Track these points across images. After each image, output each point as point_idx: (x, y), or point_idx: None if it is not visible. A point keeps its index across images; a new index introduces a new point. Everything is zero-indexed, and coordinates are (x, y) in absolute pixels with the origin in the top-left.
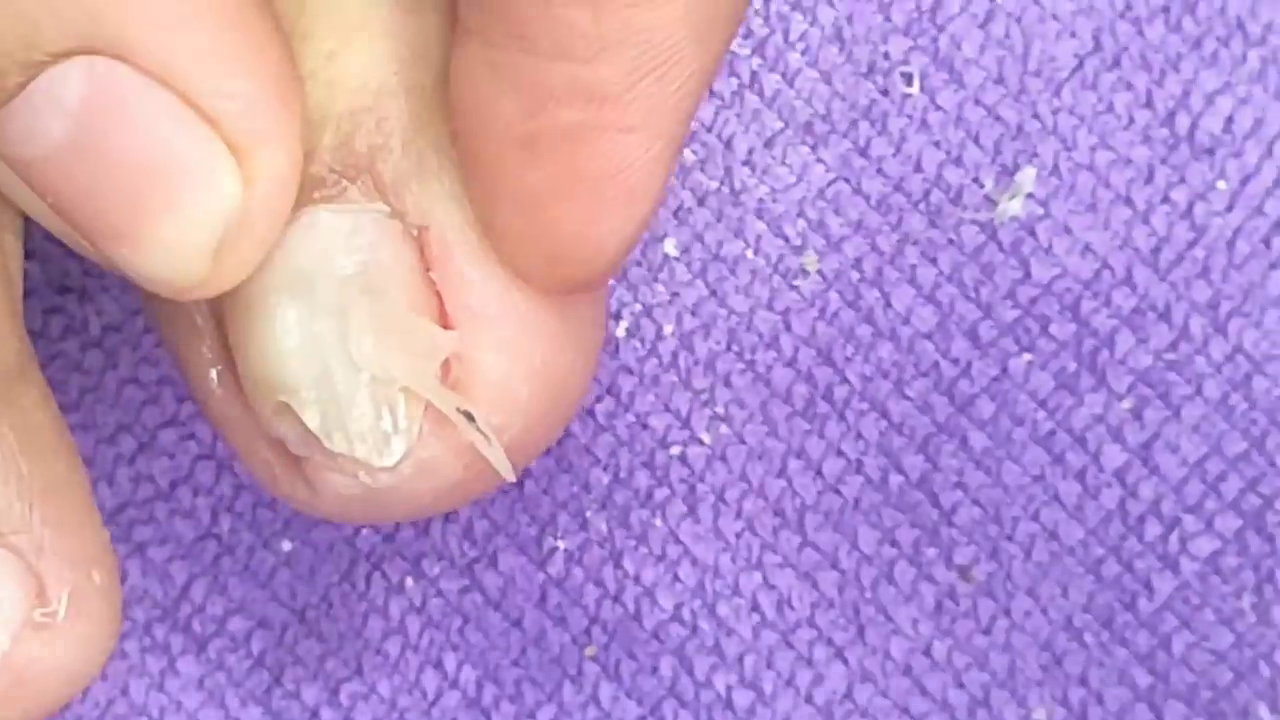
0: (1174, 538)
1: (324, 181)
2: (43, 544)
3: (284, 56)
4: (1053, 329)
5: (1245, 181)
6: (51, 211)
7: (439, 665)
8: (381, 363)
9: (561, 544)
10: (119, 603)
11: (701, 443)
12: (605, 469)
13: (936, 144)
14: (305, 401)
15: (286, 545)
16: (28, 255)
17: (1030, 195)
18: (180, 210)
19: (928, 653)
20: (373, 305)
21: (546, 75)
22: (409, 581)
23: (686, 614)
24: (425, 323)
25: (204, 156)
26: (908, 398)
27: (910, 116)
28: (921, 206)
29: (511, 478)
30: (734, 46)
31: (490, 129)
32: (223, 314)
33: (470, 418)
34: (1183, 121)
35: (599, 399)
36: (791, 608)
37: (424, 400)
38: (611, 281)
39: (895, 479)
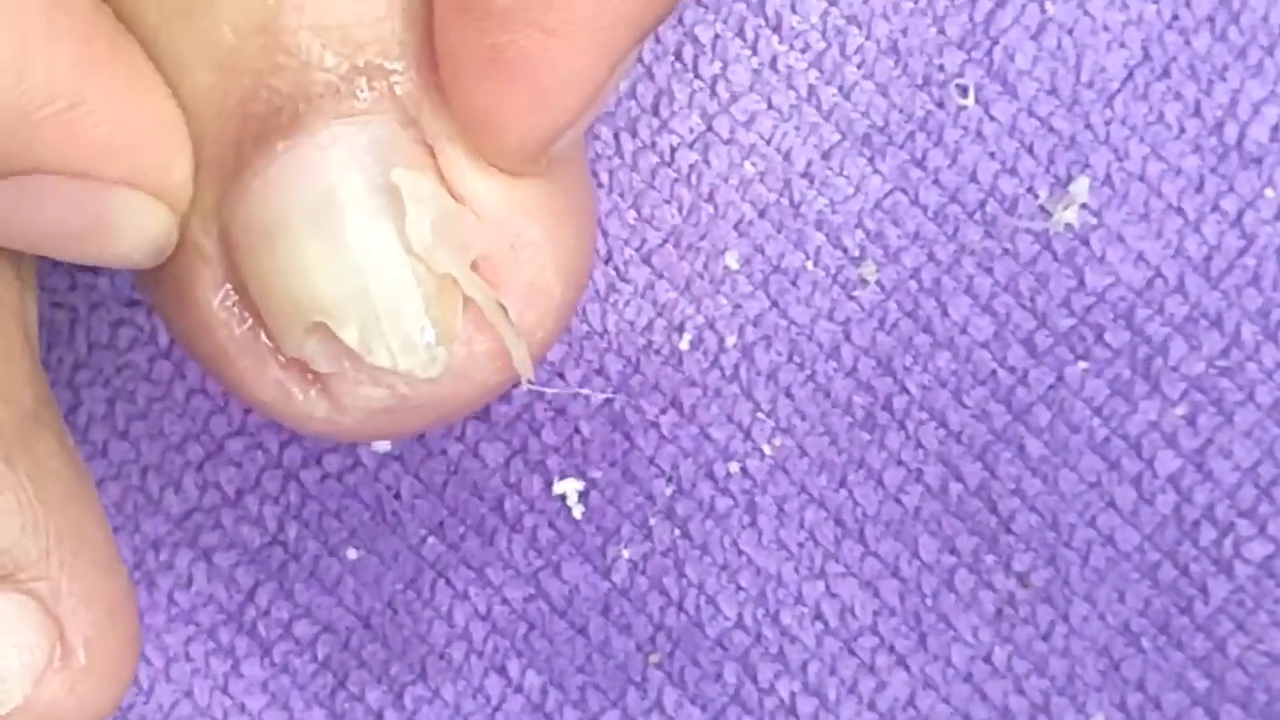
0: (1228, 542)
1: (337, 93)
2: (61, 588)
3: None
4: (1107, 337)
5: None
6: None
7: (503, 671)
8: (435, 255)
9: (626, 553)
10: (138, 642)
11: (763, 454)
12: (669, 480)
13: (991, 155)
14: (342, 320)
15: (352, 553)
16: (94, 270)
17: (1084, 205)
18: (118, 240)
19: (988, 659)
20: (412, 205)
21: None
22: (473, 589)
23: (750, 621)
24: (466, 213)
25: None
26: (966, 407)
27: (965, 128)
28: (977, 217)
29: (532, 379)
30: (790, 60)
31: None
32: (231, 239)
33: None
34: (1231, 130)
35: (663, 411)
36: (854, 616)
37: (459, 308)
38: (675, 294)
39: (955, 487)
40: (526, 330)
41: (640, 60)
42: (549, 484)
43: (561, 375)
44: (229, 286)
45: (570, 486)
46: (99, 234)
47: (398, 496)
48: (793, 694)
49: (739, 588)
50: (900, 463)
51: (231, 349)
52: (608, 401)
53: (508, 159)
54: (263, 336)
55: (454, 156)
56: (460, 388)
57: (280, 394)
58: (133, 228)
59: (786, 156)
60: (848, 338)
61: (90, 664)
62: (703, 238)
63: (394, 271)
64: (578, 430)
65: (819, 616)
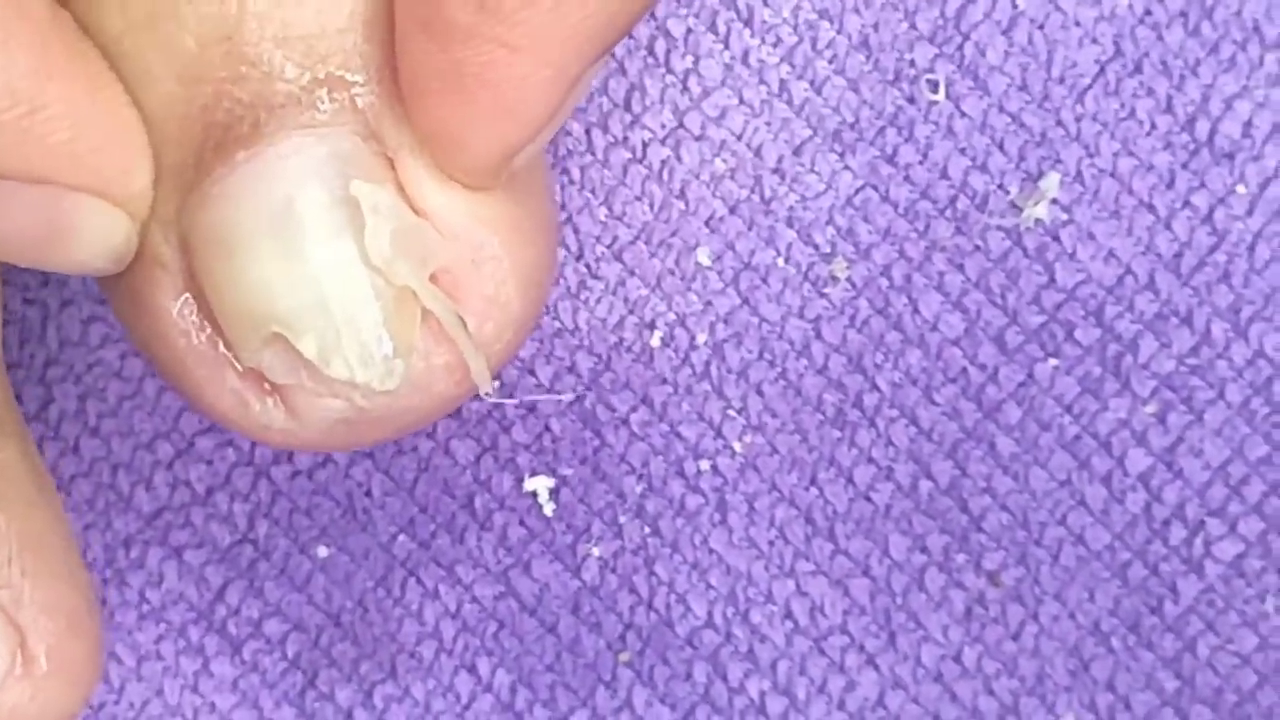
0: (1198, 541)
1: (299, 103)
2: (23, 596)
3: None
4: (1077, 334)
5: (1265, 185)
6: None
7: (473, 669)
8: (394, 268)
9: (595, 551)
10: (100, 649)
11: (734, 452)
12: (639, 477)
13: (962, 151)
14: (300, 331)
15: (323, 551)
16: None
17: (1054, 201)
18: (78, 246)
19: (958, 659)
20: (371, 217)
21: None
22: (443, 587)
23: (720, 620)
24: (426, 226)
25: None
26: (936, 404)
27: (936, 124)
28: (948, 213)
29: (490, 390)
30: (762, 55)
31: (403, 3)
32: (191, 248)
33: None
34: (1202, 127)
35: (634, 409)
36: (824, 615)
37: (417, 320)
38: (646, 290)
39: (925, 485)
40: (485, 342)
41: (612, 55)
42: (519, 481)
43: (532, 372)
44: (188, 295)
45: (541, 484)
46: (58, 240)
47: (368, 494)
48: (762, 693)
49: (709, 586)
50: (870, 460)
51: (189, 358)
52: (578, 399)
53: (469, 173)
54: (221, 346)
55: (414, 169)
56: (417, 400)
57: (238, 404)
58: (92, 234)
59: (757, 152)
60: (818, 335)
61: (52, 671)
62: (674, 234)
63: (352, 283)
64: (548, 428)
65: (789, 615)
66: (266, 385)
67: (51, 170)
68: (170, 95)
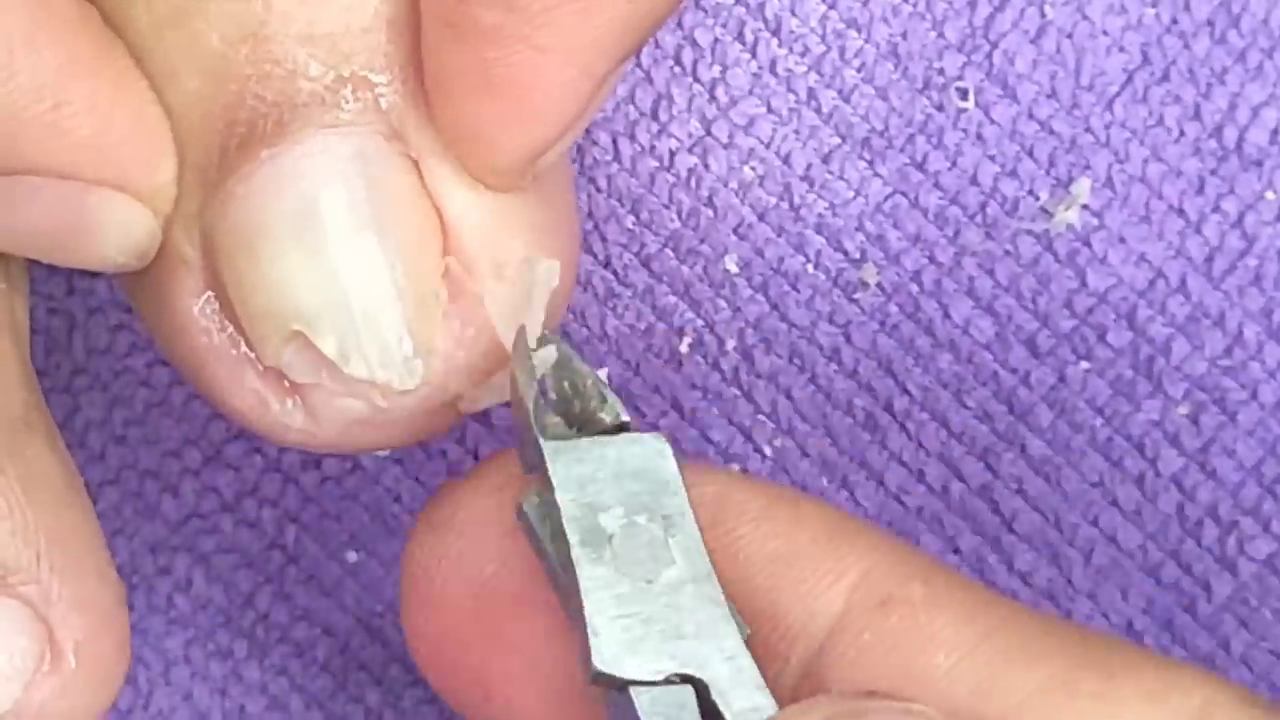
0: (1231, 540)
1: (323, 102)
2: (51, 592)
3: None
4: (1109, 337)
5: None
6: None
7: None
8: (416, 268)
9: None
10: (128, 646)
11: (764, 455)
12: None
13: (991, 158)
14: (321, 329)
15: (352, 556)
16: (91, 275)
17: (1085, 206)
18: (102, 241)
19: None
20: (392, 222)
21: None
22: None
23: None
24: (449, 227)
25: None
26: (968, 407)
27: (965, 131)
28: (978, 219)
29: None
30: (790, 64)
31: (429, 2)
32: (213, 245)
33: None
34: (1230, 134)
35: (664, 414)
36: None
37: (438, 322)
38: (674, 297)
39: (957, 488)
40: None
41: (639, 64)
42: None
43: None
44: (210, 293)
45: None
46: (83, 235)
47: (397, 499)
48: None
49: None
50: (902, 463)
51: (210, 356)
52: None
53: (494, 174)
54: (242, 345)
55: (437, 170)
56: (437, 400)
57: (257, 403)
58: (116, 230)
59: (786, 160)
60: (848, 340)
61: (81, 667)
62: (702, 241)
63: (374, 283)
64: None
65: None
66: (286, 384)
67: (76, 165)
68: (195, 92)
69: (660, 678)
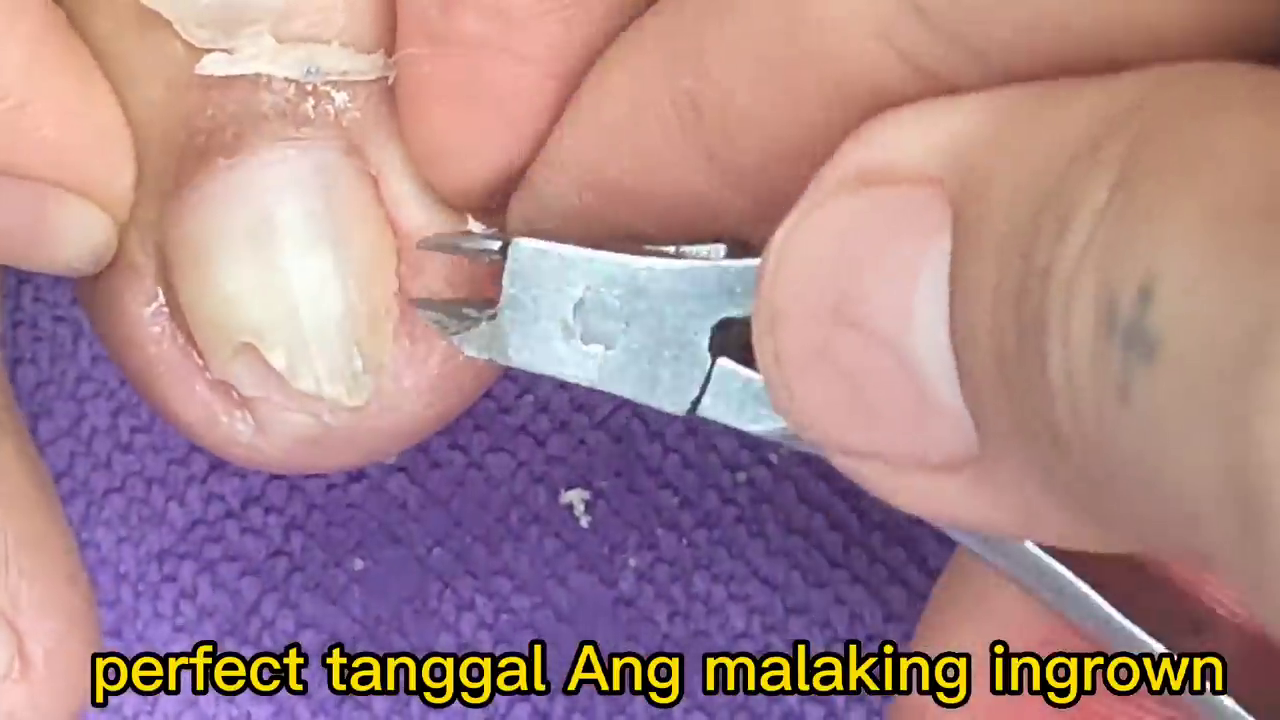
0: None
1: (284, 115)
2: (20, 598)
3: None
4: None
5: None
6: None
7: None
8: (370, 285)
9: (632, 562)
10: (99, 651)
11: (769, 463)
12: (674, 490)
13: None
14: (271, 342)
15: (359, 563)
16: None
17: None
18: (58, 245)
19: None
20: (348, 238)
21: None
22: (479, 599)
23: (757, 630)
24: (405, 245)
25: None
26: None
27: None
28: None
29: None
30: None
31: (409, 12)
32: (167, 254)
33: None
34: None
35: (668, 421)
36: (862, 623)
37: (390, 339)
38: None
39: None
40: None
41: None
42: (555, 494)
43: (564, 387)
44: (160, 302)
45: (576, 496)
46: (39, 238)
47: (403, 507)
48: (801, 702)
49: (746, 597)
50: None
51: (160, 365)
52: (612, 413)
53: (460, 194)
54: (193, 355)
55: (396, 187)
56: (387, 421)
57: (205, 415)
58: (74, 233)
59: None
60: None
61: (50, 674)
62: None
63: (326, 298)
64: (583, 442)
65: (827, 624)
66: (235, 397)
67: (37, 166)
68: (156, 99)
69: None
